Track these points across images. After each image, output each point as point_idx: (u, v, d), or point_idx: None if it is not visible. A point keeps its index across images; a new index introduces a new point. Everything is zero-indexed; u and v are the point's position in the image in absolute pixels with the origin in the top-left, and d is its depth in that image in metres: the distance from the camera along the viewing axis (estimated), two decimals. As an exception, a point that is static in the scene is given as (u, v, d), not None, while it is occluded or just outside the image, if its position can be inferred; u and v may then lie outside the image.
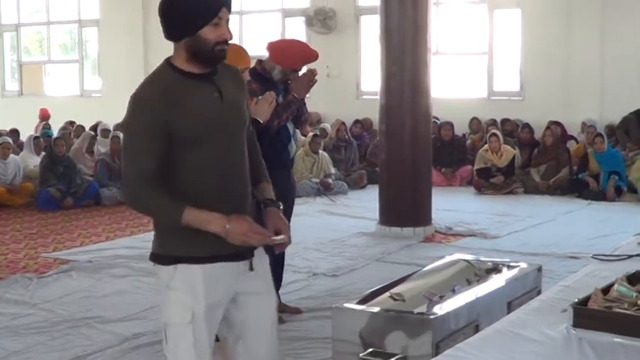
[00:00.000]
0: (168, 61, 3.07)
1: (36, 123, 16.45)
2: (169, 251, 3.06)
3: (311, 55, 6.02)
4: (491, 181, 12.29)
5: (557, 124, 13.11)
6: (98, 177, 11.89)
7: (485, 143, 12.81)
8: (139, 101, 2.98)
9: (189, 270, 3.01)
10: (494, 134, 12.61)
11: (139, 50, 17.65)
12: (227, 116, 3.05)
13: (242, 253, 3.05)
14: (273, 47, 5.94)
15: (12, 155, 11.97)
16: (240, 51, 5.02)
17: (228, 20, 3.03)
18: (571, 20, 13.61)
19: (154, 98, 2.95)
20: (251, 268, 3.10)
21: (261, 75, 5.72)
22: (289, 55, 5.87)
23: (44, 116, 16.70)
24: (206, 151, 2.99)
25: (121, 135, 3.12)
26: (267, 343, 3.20)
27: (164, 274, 3.06)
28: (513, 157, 12.51)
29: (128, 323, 5.91)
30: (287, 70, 5.83)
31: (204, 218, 2.92)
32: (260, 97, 5.26)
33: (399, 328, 4.13)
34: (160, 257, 3.10)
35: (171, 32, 3.02)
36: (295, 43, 6.21)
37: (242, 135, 3.14)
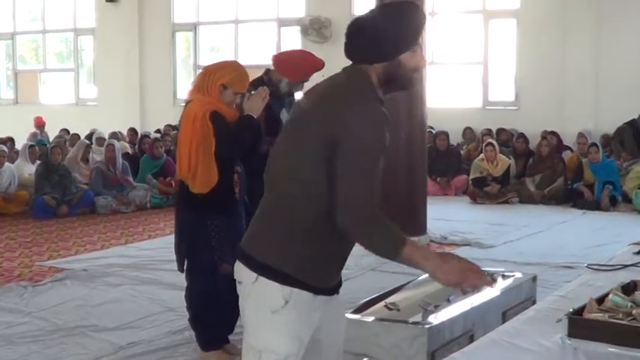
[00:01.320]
0: (369, 80, 2.82)
1: (30, 130, 16.43)
2: (291, 270, 2.75)
3: (316, 64, 5.99)
4: (485, 190, 12.30)
5: (554, 133, 13.14)
6: (93, 185, 11.87)
7: (481, 152, 12.84)
8: (379, 117, 2.72)
9: (304, 297, 2.77)
10: (491, 143, 12.65)
11: (134, 59, 17.65)
12: None
13: (338, 287, 2.97)
14: (278, 60, 5.94)
15: (7, 164, 11.95)
16: (245, 75, 5.13)
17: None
18: (566, 31, 13.65)
19: (386, 119, 2.73)
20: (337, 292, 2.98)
21: (267, 86, 5.67)
22: (295, 67, 5.85)
23: (39, 124, 16.71)
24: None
25: (358, 151, 2.66)
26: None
27: (275, 293, 2.74)
28: (509, 167, 12.54)
29: (123, 332, 5.90)
30: (294, 82, 5.81)
31: (423, 254, 2.76)
32: (253, 92, 5.23)
33: (394, 337, 4.13)
34: (275, 273, 2.75)
35: (371, 53, 2.81)
36: (299, 54, 6.18)
37: None
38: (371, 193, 2.70)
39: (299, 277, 2.74)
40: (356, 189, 2.66)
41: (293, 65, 5.84)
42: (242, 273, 2.82)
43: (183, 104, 5.40)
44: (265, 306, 2.75)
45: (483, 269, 2.89)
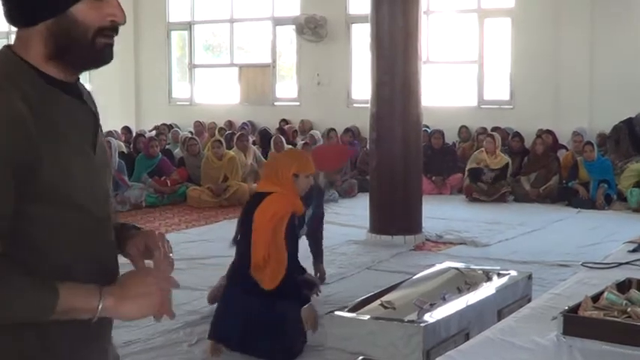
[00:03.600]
0: (13, 52, 1.92)
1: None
2: None
3: (347, 154, 6.10)
4: (481, 179, 12.31)
5: (549, 132, 13.16)
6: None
7: (476, 150, 12.90)
8: None
9: None
10: (491, 136, 12.70)
11: (129, 58, 17.63)
12: (99, 158, 2.04)
13: None
14: (315, 158, 6.09)
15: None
16: (309, 157, 5.31)
17: None
18: (561, 29, 13.66)
19: (17, 107, 1.80)
20: None
21: None
22: (328, 161, 5.94)
23: None
24: (74, 209, 1.92)
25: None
26: None
27: None
28: (507, 164, 12.55)
29: (119, 330, 5.86)
30: (330, 173, 5.86)
31: (82, 292, 1.86)
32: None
33: (390, 336, 4.14)
34: None
35: (22, 9, 1.90)
36: (329, 149, 6.26)
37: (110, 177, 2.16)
38: None
39: None
40: None
41: (329, 160, 5.95)
42: None
43: (255, 193, 5.59)
44: None
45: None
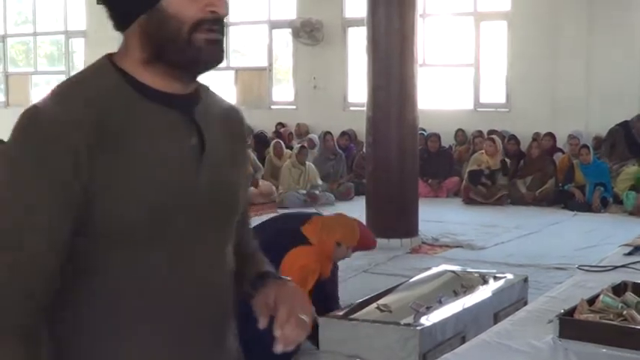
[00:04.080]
0: (110, 60, 1.68)
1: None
2: None
3: (370, 240, 5.98)
4: (481, 182, 12.33)
5: (550, 135, 13.18)
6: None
7: (473, 154, 12.92)
8: (41, 127, 1.53)
9: None
10: (492, 139, 12.73)
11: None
12: (206, 189, 1.66)
13: None
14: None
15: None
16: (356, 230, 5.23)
17: None
18: (557, 32, 13.67)
19: (71, 124, 1.52)
20: None
21: None
22: (365, 242, 5.84)
23: None
24: (151, 253, 1.61)
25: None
26: None
27: None
28: (505, 161, 12.59)
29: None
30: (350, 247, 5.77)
31: None
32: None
33: (386, 339, 4.13)
34: None
35: (114, 9, 1.69)
36: (368, 232, 6.13)
37: (229, 230, 1.77)
38: (10, 276, 1.50)
39: None
40: None
41: (366, 242, 5.86)
42: None
43: (297, 232, 5.39)
44: None
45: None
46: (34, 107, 1.55)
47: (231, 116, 1.79)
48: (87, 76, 1.65)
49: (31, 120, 1.53)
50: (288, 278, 1.83)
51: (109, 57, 1.67)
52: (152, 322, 1.62)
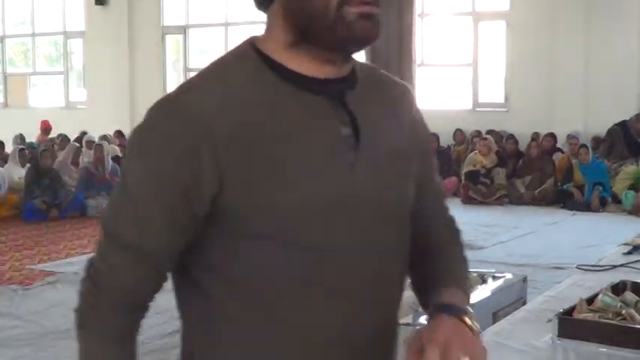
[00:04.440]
0: (252, 44, 1.53)
1: (37, 134, 16.36)
2: None
3: None
4: (480, 181, 12.35)
5: (551, 135, 13.19)
6: (79, 186, 11.87)
7: (471, 152, 12.97)
8: (173, 118, 1.39)
9: None
10: (485, 138, 12.80)
11: (124, 62, 17.61)
12: (364, 186, 1.46)
13: None
14: None
15: (-3, 167, 11.92)
16: None
17: None
18: (556, 32, 13.68)
19: (205, 115, 1.38)
20: None
21: None
22: None
23: (46, 127, 16.57)
24: (299, 257, 1.41)
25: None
26: None
27: None
28: (498, 152, 12.64)
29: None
30: None
31: None
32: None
33: (386, 338, 4.13)
34: None
35: None
36: None
37: (394, 231, 1.54)
38: (107, 265, 1.49)
39: None
40: (98, 248, 1.51)
41: None
42: None
43: None
44: None
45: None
46: (167, 97, 1.43)
47: (402, 100, 1.62)
48: (227, 62, 1.50)
49: (163, 110, 1.40)
50: (471, 313, 1.58)
51: (253, 40, 1.53)
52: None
